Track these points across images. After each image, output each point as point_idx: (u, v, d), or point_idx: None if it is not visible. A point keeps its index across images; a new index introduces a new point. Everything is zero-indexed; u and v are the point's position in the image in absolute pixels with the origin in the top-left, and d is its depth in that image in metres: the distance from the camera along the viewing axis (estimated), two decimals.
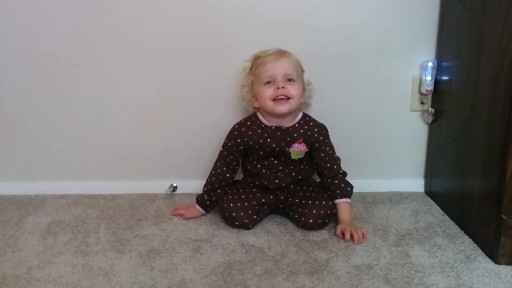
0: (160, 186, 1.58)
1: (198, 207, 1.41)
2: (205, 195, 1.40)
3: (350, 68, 1.49)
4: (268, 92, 1.31)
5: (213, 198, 1.40)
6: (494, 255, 1.17)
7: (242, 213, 1.32)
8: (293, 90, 1.31)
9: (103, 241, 1.27)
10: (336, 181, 1.36)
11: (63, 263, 1.17)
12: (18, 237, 1.30)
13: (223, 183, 1.40)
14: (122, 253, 1.21)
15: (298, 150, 1.37)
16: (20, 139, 1.56)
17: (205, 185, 1.42)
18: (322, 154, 1.38)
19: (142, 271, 1.13)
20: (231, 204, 1.33)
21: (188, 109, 1.53)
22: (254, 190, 1.39)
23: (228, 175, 1.40)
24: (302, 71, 1.37)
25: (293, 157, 1.37)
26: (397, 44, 1.47)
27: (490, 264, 1.16)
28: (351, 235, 1.26)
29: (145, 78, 1.50)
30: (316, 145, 1.37)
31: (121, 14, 1.45)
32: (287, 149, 1.36)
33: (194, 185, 1.57)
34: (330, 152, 1.39)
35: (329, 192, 1.36)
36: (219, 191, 1.40)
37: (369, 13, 1.45)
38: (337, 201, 1.35)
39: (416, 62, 1.48)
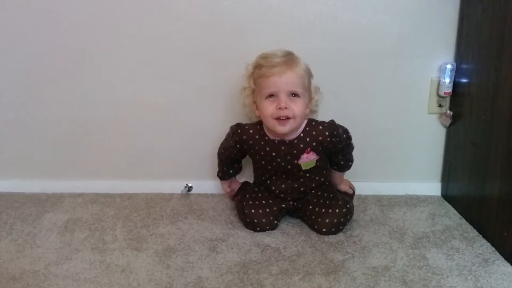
0: (176, 186, 1.58)
1: (221, 181, 1.49)
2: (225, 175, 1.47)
3: (367, 70, 1.49)
4: (270, 109, 1.25)
5: (223, 174, 1.47)
6: None
7: (264, 220, 1.31)
8: (295, 108, 1.24)
9: (120, 239, 1.28)
10: (343, 162, 1.41)
11: (80, 259, 1.18)
12: (36, 233, 1.32)
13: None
14: (138, 251, 1.22)
15: (308, 160, 1.33)
16: (38, 138, 1.58)
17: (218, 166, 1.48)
18: (334, 151, 1.36)
19: (159, 268, 1.14)
20: (253, 211, 1.32)
21: (204, 109, 1.54)
22: (273, 194, 1.38)
23: (230, 162, 1.46)
24: (311, 76, 1.31)
25: (304, 168, 1.33)
26: (415, 46, 1.46)
27: (509, 268, 1.14)
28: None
29: (161, 79, 1.51)
30: (330, 146, 1.32)
31: (139, 18, 1.46)
32: (296, 161, 1.32)
33: (209, 185, 1.58)
34: (342, 146, 1.35)
35: (331, 161, 1.41)
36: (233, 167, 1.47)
37: (387, 15, 1.44)
38: (336, 172, 1.44)
39: (434, 64, 1.47)
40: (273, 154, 1.32)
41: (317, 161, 1.34)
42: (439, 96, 1.49)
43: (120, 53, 1.49)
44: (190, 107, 1.54)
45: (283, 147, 1.32)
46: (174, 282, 1.09)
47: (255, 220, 1.31)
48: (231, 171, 1.47)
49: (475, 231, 1.32)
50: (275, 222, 1.33)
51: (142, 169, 1.60)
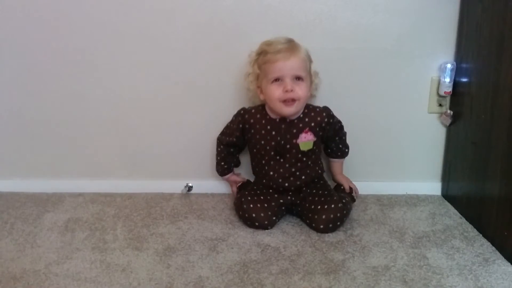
0: (176, 186, 1.59)
1: (225, 177, 1.51)
2: (222, 164, 1.49)
3: (367, 69, 1.49)
4: (276, 92, 1.30)
5: (229, 165, 1.50)
6: None
7: (262, 214, 1.32)
8: (300, 91, 1.30)
9: (120, 239, 1.28)
10: (341, 146, 1.46)
11: (81, 259, 1.18)
12: (37, 233, 1.32)
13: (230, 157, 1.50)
14: (139, 250, 1.22)
15: (306, 140, 1.35)
16: (38, 138, 1.58)
17: (216, 158, 1.50)
18: (330, 133, 1.42)
19: (159, 268, 1.14)
20: (251, 205, 1.33)
21: (205, 109, 1.54)
22: (271, 191, 1.39)
23: (231, 152, 1.48)
24: (311, 62, 1.35)
25: (302, 148, 1.35)
26: (415, 45, 1.46)
27: (509, 267, 1.14)
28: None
29: (162, 79, 1.51)
30: (328, 127, 1.38)
31: (139, 17, 1.46)
32: (295, 141, 1.35)
33: (210, 185, 1.58)
34: (338, 128, 1.43)
35: (329, 150, 1.48)
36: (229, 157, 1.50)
37: (387, 14, 1.44)
38: (334, 159, 1.49)
39: (434, 63, 1.47)
40: (273, 132, 1.36)
41: (314, 143, 1.37)
42: (439, 95, 1.49)
43: (121, 53, 1.49)
44: (190, 107, 1.54)
45: (283, 126, 1.35)
46: (174, 281, 1.09)
47: (254, 215, 1.32)
48: (234, 161, 1.50)
49: (475, 230, 1.33)
50: (274, 218, 1.34)
51: (142, 169, 1.60)
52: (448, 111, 1.48)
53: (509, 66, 1.17)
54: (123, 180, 1.60)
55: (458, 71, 1.44)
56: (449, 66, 1.44)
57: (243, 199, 1.36)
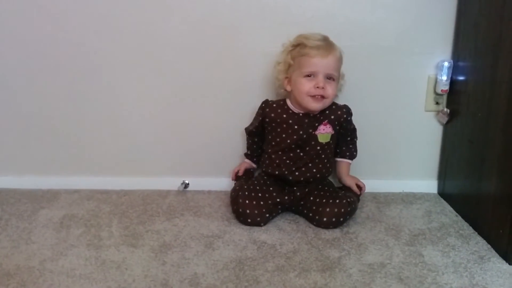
0: (172, 183, 1.58)
1: (246, 160, 1.51)
2: (248, 151, 1.51)
3: (364, 67, 1.49)
4: (307, 86, 1.30)
5: (251, 153, 1.50)
6: (508, 256, 1.16)
7: (256, 211, 1.32)
8: (330, 90, 1.31)
9: (116, 235, 1.28)
10: (351, 146, 1.47)
11: (76, 255, 1.18)
12: (32, 229, 1.31)
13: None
14: (134, 247, 1.22)
15: (324, 132, 1.37)
16: (34, 134, 1.57)
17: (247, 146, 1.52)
18: (345, 131, 1.43)
19: (154, 265, 1.14)
20: (246, 201, 1.33)
21: (202, 107, 1.53)
22: (271, 189, 1.38)
23: (255, 142, 1.49)
24: (342, 63, 1.36)
25: (320, 140, 1.36)
26: (412, 43, 1.46)
27: (504, 265, 1.15)
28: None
29: (158, 76, 1.51)
30: (344, 124, 1.40)
31: (137, 15, 1.46)
32: (314, 132, 1.36)
33: (206, 182, 1.58)
34: (352, 128, 1.45)
35: (337, 150, 1.47)
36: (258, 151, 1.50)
37: (385, 12, 1.44)
38: (341, 159, 1.48)
39: (431, 61, 1.47)
40: (296, 127, 1.36)
41: (331, 136, 1.38)
42: (436, 93, 1.49)
43: (118, 51, 1.49)
44: (186, 104, 1.53)
45: (306, 120, 1.36)
46: (169, 278, 1.08)
47: (247, 211, 1.32)
48: (258, 152, 1.50)
49: (471, 228, 1.33)
50: (267, 215, 1.33)
51: (138, 165, 1.60)
52: (445, 109, 1.48)
53: (505, 65, 1.17)
54: (119, 177, 1.59)
55: (455, 69, 1.44)
56: (446, 64, 1.44)
57: (240, 193, 1.35)
